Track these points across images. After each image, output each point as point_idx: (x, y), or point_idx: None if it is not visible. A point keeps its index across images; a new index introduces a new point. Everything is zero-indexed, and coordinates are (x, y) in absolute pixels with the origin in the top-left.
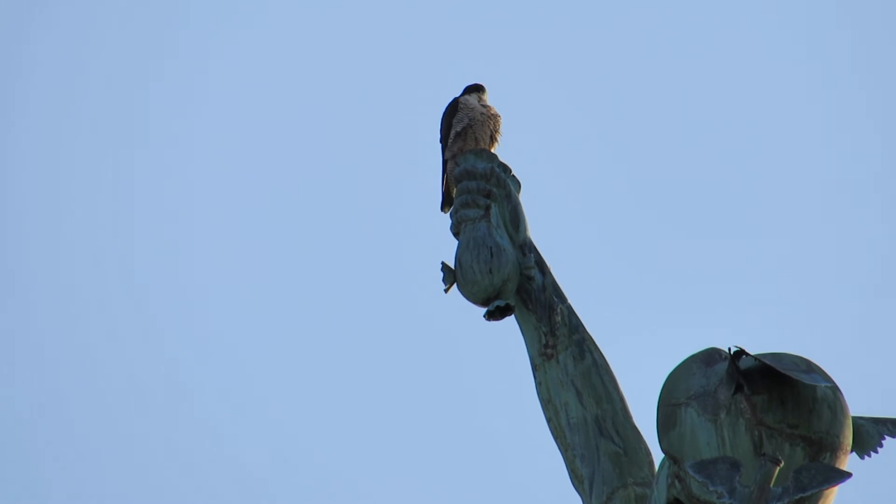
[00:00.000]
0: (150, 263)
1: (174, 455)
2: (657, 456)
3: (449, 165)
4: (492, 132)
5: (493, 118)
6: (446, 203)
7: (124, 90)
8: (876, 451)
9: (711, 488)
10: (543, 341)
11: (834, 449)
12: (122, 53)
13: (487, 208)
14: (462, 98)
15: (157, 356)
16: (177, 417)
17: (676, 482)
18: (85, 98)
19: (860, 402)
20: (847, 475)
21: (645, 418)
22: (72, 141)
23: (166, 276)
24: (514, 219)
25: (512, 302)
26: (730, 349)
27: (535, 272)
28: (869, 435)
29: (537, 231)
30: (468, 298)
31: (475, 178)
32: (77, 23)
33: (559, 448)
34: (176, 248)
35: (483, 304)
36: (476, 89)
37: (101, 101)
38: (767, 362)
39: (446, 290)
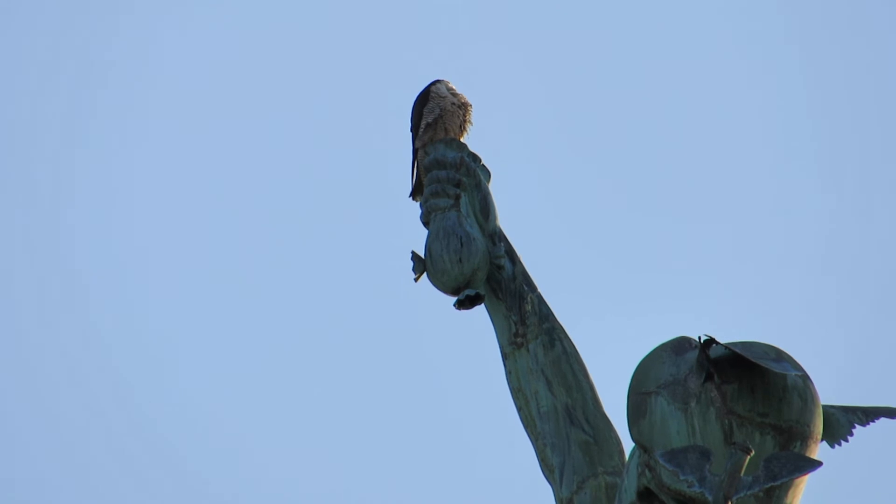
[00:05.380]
0: (93, 262)
1: (129, 470)
2: (627, 445)
3: (419, 155)
4: (462, 121)
5: (464, 107)
6: (416, 192)
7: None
8: (846, 440)
9: (682, 477)
10: (513, 330)
11: (804, 438)
12: (74, 47)
13: (457, 198)
14: (433, 87)
15: (104, 363)
16: (132, 429)
17: (647, 471)
18: (35, 90)
19: (830, 391)
20: (817, 464)
21: (615, 407)
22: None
23: (111, 276)
24: (484, 208)
25: (482, 291)
26: (700, 338)
27: (505, 261)
28: (839, 424)
29: (507, 220)
30: (438, 288)
31: (445, 167)
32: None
33: (529, 437)
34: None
35: (453, 293)
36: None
37: (49, 94)
38: (737, 351)
39: (416, 280)
